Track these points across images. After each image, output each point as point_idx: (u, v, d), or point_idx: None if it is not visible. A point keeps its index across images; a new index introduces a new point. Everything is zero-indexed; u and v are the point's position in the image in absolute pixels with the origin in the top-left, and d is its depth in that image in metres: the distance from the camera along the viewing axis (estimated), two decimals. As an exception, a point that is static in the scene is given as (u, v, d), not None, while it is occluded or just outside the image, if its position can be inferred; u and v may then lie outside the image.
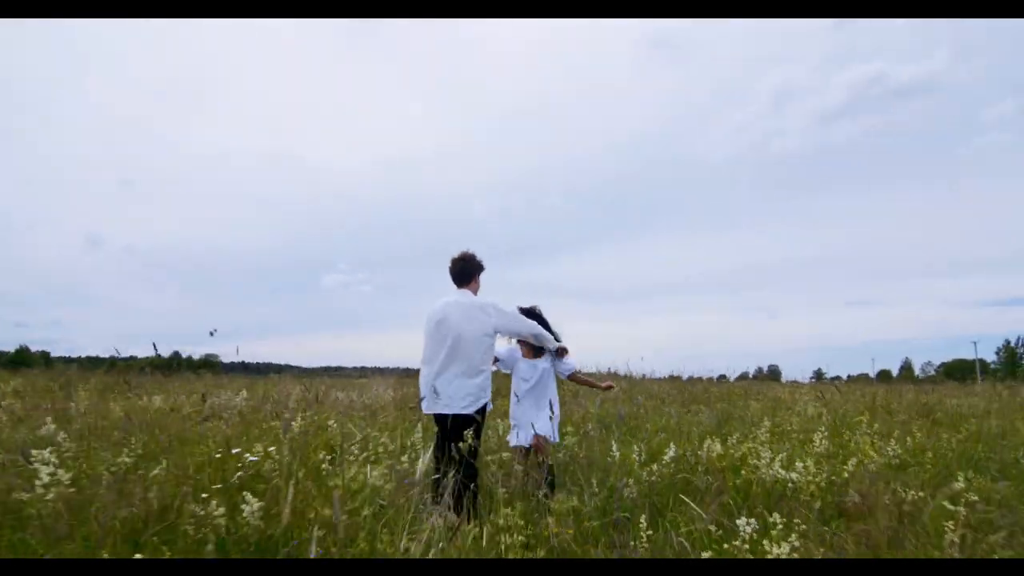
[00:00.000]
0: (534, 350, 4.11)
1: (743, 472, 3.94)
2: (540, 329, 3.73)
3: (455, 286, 3.55)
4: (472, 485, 2.97)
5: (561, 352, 4.09)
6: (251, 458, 2.62)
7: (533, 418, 3.87)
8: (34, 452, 2.42)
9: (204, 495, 2.41)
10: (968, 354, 62.34)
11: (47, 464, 2.32)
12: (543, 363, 4.09)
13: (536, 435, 3.82)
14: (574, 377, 4.20)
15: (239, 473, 2.55)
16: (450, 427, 3.19)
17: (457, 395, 3.26)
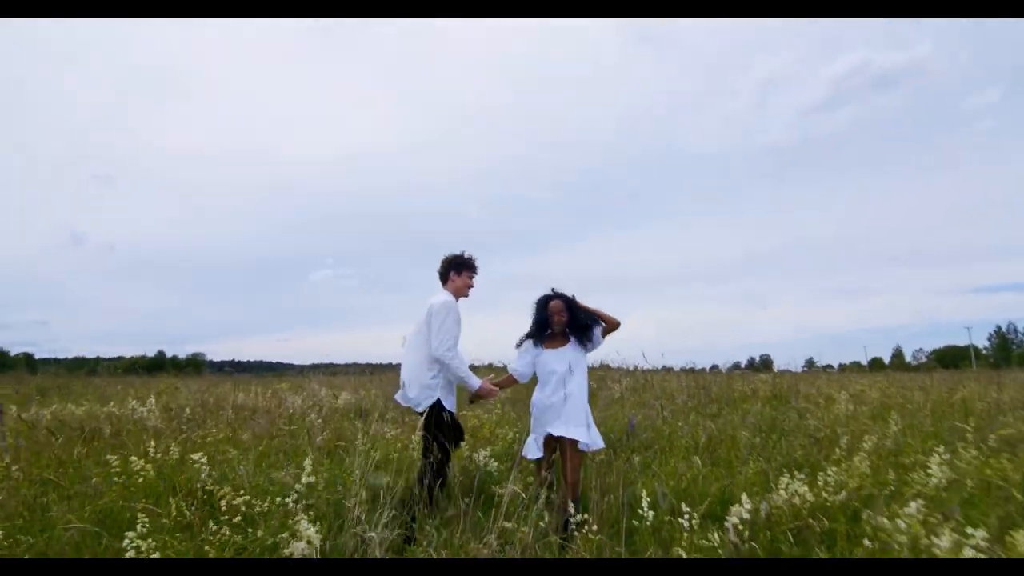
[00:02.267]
0: (560, 337, 3.36)
1: (864, 541, 2.33)
2: (441, 352, 3.12)
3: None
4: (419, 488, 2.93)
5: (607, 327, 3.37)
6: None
7: (557, 417, 3.16)
8: None
9: None
10: (957, 341, 61.48)
11: None
12: (570, 350, 3.30)
13: (563, 440, 3.10)
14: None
15: None
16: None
17: (407, 389, 3.28)
